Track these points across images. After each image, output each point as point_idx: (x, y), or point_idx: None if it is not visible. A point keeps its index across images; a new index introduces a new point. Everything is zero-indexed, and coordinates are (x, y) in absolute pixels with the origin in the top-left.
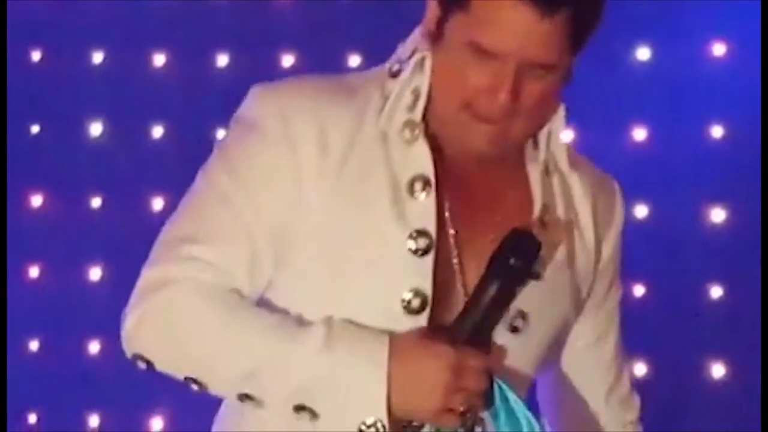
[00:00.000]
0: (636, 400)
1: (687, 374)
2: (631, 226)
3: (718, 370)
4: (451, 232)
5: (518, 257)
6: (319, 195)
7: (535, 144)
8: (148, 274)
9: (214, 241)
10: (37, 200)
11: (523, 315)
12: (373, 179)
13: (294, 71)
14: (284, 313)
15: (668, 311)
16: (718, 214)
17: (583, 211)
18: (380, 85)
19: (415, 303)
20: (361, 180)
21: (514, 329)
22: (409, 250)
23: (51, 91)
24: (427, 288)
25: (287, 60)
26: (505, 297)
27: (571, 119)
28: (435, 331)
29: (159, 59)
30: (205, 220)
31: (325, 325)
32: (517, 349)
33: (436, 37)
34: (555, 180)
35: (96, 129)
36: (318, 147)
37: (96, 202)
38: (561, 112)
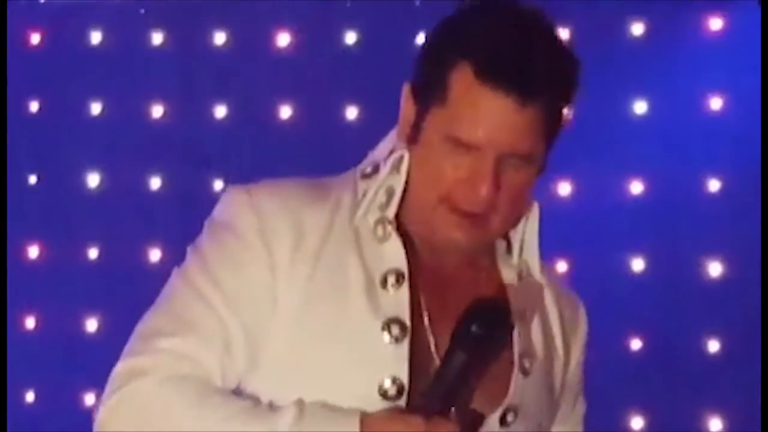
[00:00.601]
0: None
1: (682, 424)
2: (628, 280)
3: (715, 425)
4: (426, 320)
5: (480, 325)
6: (293, 292)
7: (508, 246)
8: (122, 365)
9: (187, 334)
10: (33, 251)
11: (514, 410)
12: (347, 274)
13: (292, 123)
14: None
15: (665, 365)
16: (715, 268)
17: (553, 318)
18: (352, 186)
19: (392, 390)
20: (335, 276)
21: (504, 422)
22: (385, 339)
23: (49, 142)
24: (404, 375)
25: (285, 111)
26: (473, 366)
27: (569, 171)
28: (407, 407)
29: (157, 110)
30: (180, 314)
31: (297, 406)
32: None
33: (413, 134)
34: (527, 286)
35: (93, 179)
36: (293, 245)
37: (93, 253)
38: (535, 210)
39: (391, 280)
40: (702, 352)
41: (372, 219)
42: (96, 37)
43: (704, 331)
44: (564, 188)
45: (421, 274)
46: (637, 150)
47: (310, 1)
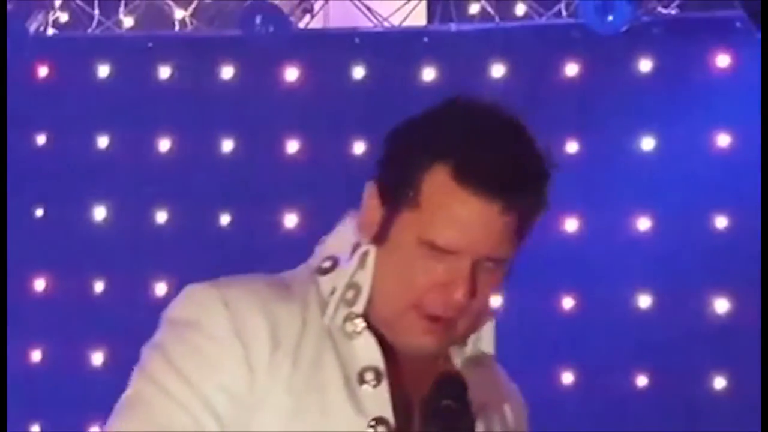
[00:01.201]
0: None
1: None
2: (635, 317)
3: None
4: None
5: (450, 398)
6: (278, 391)
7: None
8: None
9: None
10: (40, 284)
11: None
12: (325, 373)
13: (299, 157)
14: None
15: (671, 401)
16: (722, 305)
17: (507, 409)
18: (311, 282)
19: None
20: (314, 374)
21: None
22: None
23: (55, 175)
24: None
25: (292, 146)
26: None
27: (576, 207)
28: None
29: (164, 144)
30: (157, 422)
31: None
32: None
33: (381, 235)
34: (482, 376)
35: (100, 213)
36: (271, 344)
37: (99, 287)
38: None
39: (369, 377)
40: (708, 388)
41: (340, 316)
42: (104, 71)
43: (711, 367)
44: (571, 224)
45: (395, 364)
46: (645, 186)
47: (317, 36)
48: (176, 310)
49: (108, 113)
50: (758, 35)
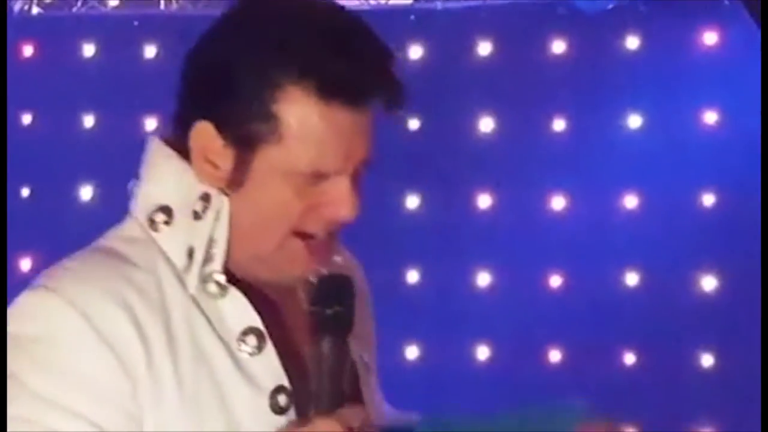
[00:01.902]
0: None
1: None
2: (623, 295)
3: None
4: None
5: (335, 304)
6: (161, 392)
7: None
8: None
9: None
10: (26, 264)
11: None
12: (207, 350)
13: None
14: None
15: (659, 379)
16: (709, 282)
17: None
18: (149, 243)
19: None
20: (196, 358)
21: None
22: (273, 411)
23: (42, 154)
24: None
25: None
26: (343, 346)
27: (563, 185)
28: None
29: (150, 123)
30: None
31: None
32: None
33: (233, 182)
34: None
35: (86, 192)
36: (141, 343)
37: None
38: None
39: (252, 342)
40: (696, 365)
41: (199, 276)
42: (89, 50)
43: (698, 345)
44: (558, 202)
45: (270, 312)
46: (632, 164)
47: None
48: (18, 325)
49: (94, 92)
50: (751, 17)
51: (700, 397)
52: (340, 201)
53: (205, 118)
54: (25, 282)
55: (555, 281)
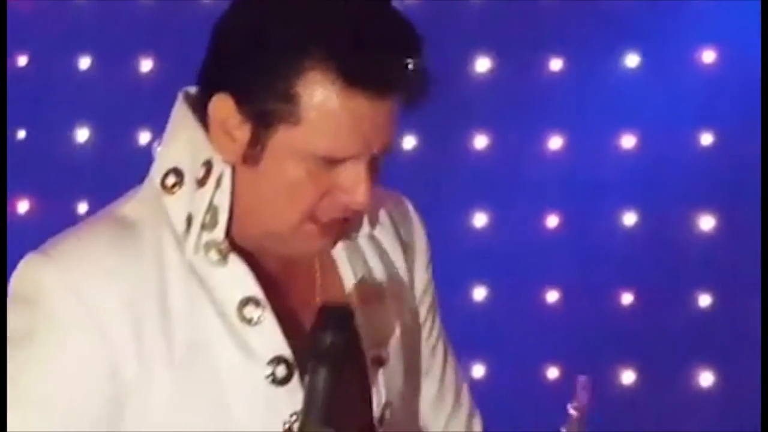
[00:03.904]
0: (477, 418)
1: (674, 380)
2: (620, 234)
3: (705, 379)
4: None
5: (334, 335)
6: (152, 374)
7: None
8: None
9: None
10: (23, 206)
11: (388, 407)
12: (203, 324)
13: None
14: None
15: (657, 320)
16: (707, 222)
17: (396, 259)
18: (159, 209)
19: (296, 424)
20: (191, 334)
21: (382, 422)
22: (271, 381)
23: (37, 97)
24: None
25: None
26: (338, 376)
27: (562, 125)
28: None
29: (146, 65)
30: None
31: None
32: None
33: (251, 156)
34: (363, 243)
35: (83, 134)
36: (131, 323)
37: (82, 208)
38: None
39: (251, 311)
40: (694, 306)
41: (200, 243)
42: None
43: (696, 287)
44: (555, 142)
45: (271, 283)
46: (630, 103)
47: None
48: (17, 285)
49: (89, 34)
50: None
51: (698, 338)
52: (354, 187)
53: (226, 90)
54: (24, 223)
55: (552, 221)
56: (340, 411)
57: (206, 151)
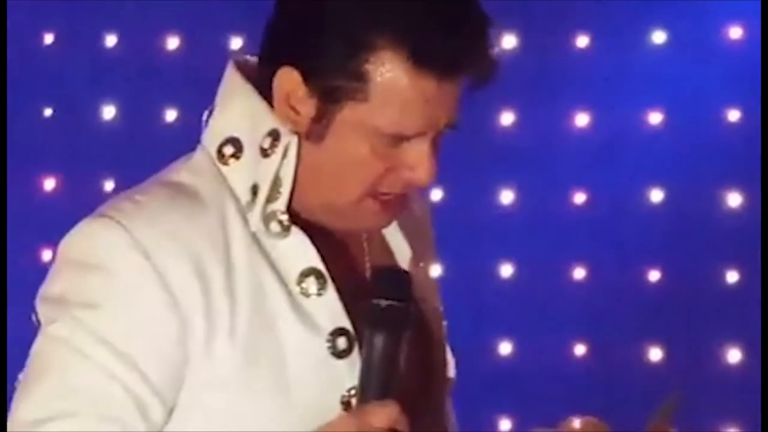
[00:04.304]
0: None
1: (702, 359)
2: (646, 211)
3: (733, 355)
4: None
5: (389, 297)
6: (215, 342)
7: None
8: None
9: (87, 411)
10: (49, 183)
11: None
12: (267, 294)
13: None
14: None
15: (683, 296)
16: (735, 199)
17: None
18: (217, 177)
19: (355, 398)
20: (255, 303)
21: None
22: (332, 353)
23: (64, 74)
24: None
25: None
26: (396, 342)
27: (588, 102)
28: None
29: (173, 42)
30: (72, 388)
31: None
32: None
33: (316, 131)
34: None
35: (109, 112)
36: (201, 289)
37: (109, 186)
38: None
39: (311, 284)
40: (721, 283)
41: (263, 214)
42: None
43: (723, 262)
44: (582, 119)
45: (330, 254)
46: (657, 80)
47: None
48: (79, 251)
49: (115, 11)
50: None
51: (724, 315)
52: (418, 164)
53: (291, 64)
54: (50, 201)
55: (579, 198)
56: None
57: (270, 120)
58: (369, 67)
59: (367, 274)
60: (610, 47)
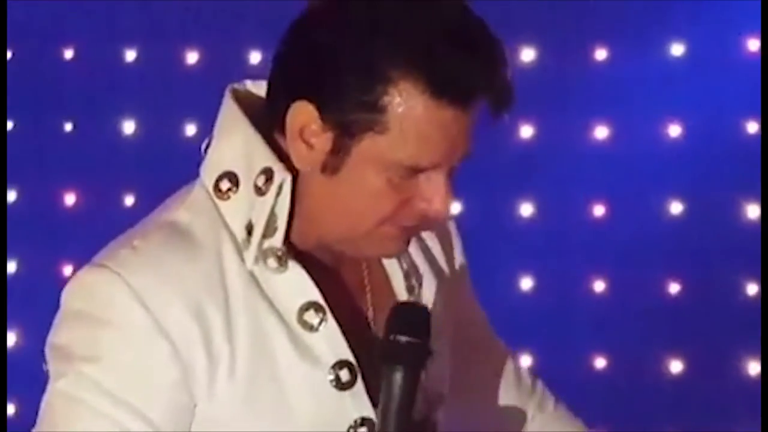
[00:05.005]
0: (540, 385)
1: (722, 370)
2: (666, 223)
3: (753, 367)
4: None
5: (409, 333)
6: (217, 382)
7: None
8: None
9: None
10: (70, 198)
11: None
12: (266, 330)
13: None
14: None
15: (703, 308)
16: (753, 210)
17: (436, 252)
18: (213, 212)
19: (362, 429)
20: (255, 341)
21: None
22: (335, 386)
23: (83, 88)
24: (370, 410)
25: None
26: (415, 378)
27: (607, 114)
28: None
29: (192, 56)
30: None
31: None
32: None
33: (332, 164)
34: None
35: (129, 127)
36: (201, 335)
37: (129, 201)
38: None
39: (311, 317)
40: (741, 295)
41: (259, 251)
42: None
43: (743, 273)
44: (601, 132)
45: (331, 286)
46: (675, 93)
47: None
48: (80, 302)
49: (134, 26)
50: None
51: (744, 327)
52: (434, 196)
53: (305, 98)
54: (71, 215)
55: (598, 210)
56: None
57: (264, 157)
58: (386, 99)
59: (367, 305)
60: (629, 60)
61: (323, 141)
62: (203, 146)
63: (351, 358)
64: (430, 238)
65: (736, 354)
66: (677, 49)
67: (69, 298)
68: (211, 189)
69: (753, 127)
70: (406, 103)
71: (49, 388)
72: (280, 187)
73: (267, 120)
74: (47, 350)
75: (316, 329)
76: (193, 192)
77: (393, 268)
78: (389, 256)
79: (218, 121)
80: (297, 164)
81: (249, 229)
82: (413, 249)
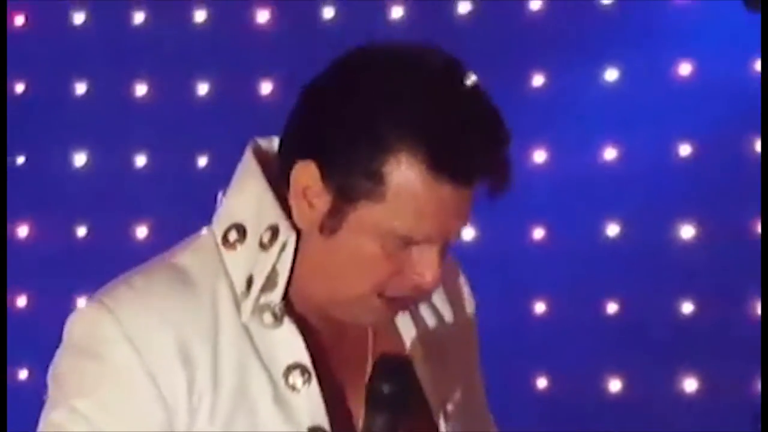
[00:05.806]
0: None
1: (661, 388)
2: (603, 245)
3: (690, 385)
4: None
5: (391, 383)
6: (196, 425)
7: None
8: None
9: None
10: (23, 231)
11: None
12: (250, 384)
13: (272, 99)
14: None
15: (641, 327)
16: (688, 231)
17: (447, 315)
18: (218, 261)
19: None
20: (238, 391)
21: None
22: None
23: (36, 123)
24: None
25: (266, 87)
26: (394, 426)
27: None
28: None
29: (141, 89)
30: None
31: None
32: None
33: (329, 226)
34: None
35: (80, 159)
36: (185, 374)
37: (81, 232)
38: None
39: (296, 378)
40: (677, 314)
41: (257, 305)
42: (79, 18)
43: (679, 293)
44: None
45: (322, 347)
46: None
47: None
48: (77, 336)
49: (85, 59)
50: None
51: (681, 344)
52: (426, 269)
53: (311, 158)
54: (24, 248)
55: (538, 234)
56: None
57: (273, 214)
58: (387, 168)
59: (368, 359)
60: (567, 84)
61: (323, 202)
62: (219, 195)
63: (326, 426)
64: (439, 300)
65: (672, 373)
66: (611, 74)
67: (69, 330)
68: (219, 238)
69: (686, 150)
70: (405, 176)
71: (44, 414)
72: (284, 245)
73: (280, 176)
74: (48, 377)
75: (298, 390)
76: (201, 238)
77: (406, 328)
78: (373, 326)
79: (236, 173)
80: (297, 222)
81: (249, 282)
82: (426, 313)
